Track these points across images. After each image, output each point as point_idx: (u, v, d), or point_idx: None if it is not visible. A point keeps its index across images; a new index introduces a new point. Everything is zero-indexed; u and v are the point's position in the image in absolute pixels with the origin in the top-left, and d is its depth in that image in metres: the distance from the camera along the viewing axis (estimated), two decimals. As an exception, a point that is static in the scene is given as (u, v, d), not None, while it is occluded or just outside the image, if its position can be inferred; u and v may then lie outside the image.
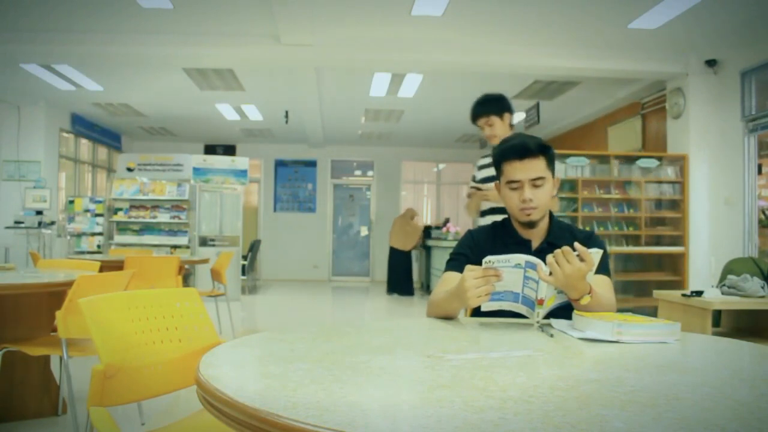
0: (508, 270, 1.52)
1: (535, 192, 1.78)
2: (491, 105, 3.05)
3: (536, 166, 1.78)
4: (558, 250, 1.49)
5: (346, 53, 6.25)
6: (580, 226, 5.67)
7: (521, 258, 1.51)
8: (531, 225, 1.84)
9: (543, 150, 1.79)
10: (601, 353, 1.26)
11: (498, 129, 3.03)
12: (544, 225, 1.87)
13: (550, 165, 1.82)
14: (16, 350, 2.60)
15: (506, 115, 3.06)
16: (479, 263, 1.82)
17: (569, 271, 1.47)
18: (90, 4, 5.35)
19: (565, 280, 1.48)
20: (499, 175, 1.86)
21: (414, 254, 10.60)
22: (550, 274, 1.49)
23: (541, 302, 1.53)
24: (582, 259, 1.48)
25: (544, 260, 1.52)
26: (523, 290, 1.55)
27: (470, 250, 1.88)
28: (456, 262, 1.87)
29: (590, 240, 1.82)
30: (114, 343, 1.40)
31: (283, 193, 12.68)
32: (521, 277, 1.53)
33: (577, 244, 1.50)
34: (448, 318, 1.71)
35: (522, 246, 1.84)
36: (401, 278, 9.99)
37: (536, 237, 1.87)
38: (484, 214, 3.12)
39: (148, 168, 9.37)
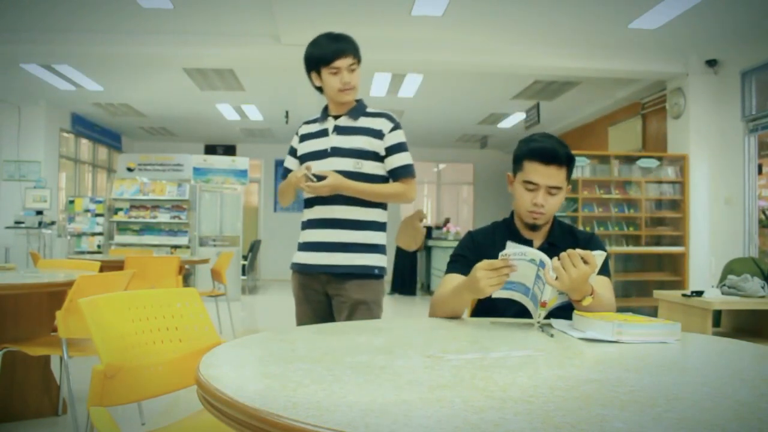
0: (523, 262, 1.52)
1: (549, 199, 1.77)
2: (355, 46, 2.25)
3: (557, 175, 1.76)
4: (564, 254, 1.48)
5: (346, 53, 6.24)
6: (581, 226, 5.68)
7: (537, 254, 1.51)
8: (534, 228, 1.84)
9: (569, 161, 1.78)
10: (601, 353, 1.26)
11: (357, 80, 2.25)
12: (545, 226, 1.87)
13: (569, 176, 1.81)
14: (17, 350, 2.60)
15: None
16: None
17: (575, 275, 1.46)
18: (90, 4, 5.35)
19: (570, 284, 1.48)
20: (516, 169, 1.83)
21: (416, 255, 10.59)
22: (556, 278, 1.49)
23: (544, 305, 1.53)
24: (586, 262, 1.48)
25: None
26: (534, 287, 1.55)
27: (470, 252, 1.87)
28: (456, 264, 1.86)
29: (591, 241, 1.82)
30: (114, 343, 1.40)
31: (284, 193, 12.66)
32: (534, 274, 1.53)
33: (579, 250, 1.49)
34: (453, 317, 1.71)
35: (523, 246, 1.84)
36: (405, 278, 10.04)
37: (538, 237, 1.87)
38: (310, 203, 2.29)
39: (149, 168, 9.37)
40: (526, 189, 1.79)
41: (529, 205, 1.78)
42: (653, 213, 6.84)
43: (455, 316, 1.72)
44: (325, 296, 2.28)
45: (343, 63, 2.18)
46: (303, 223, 2.32)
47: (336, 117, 2.28)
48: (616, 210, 6.71)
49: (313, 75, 2.22)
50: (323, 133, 2.27)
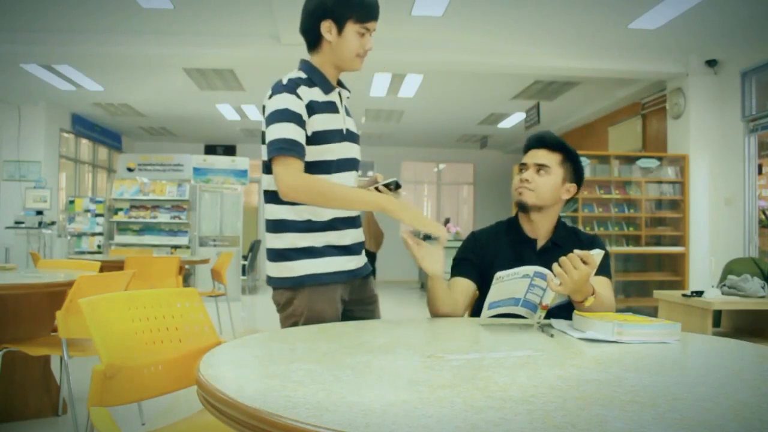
0: (515, 281, 1.55)
1: (536, 178, 1.84)
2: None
3: (546, 156, 1.85)
4: (563, 258, 1.50)
5: (346, 53, 6.24)
6: (581, 226, 5.68)
7: (530, 269, 1.54)
8: (523, 208, 1.87)
9: (559, 147, 1.87)
10: (601, 353, 1.26)
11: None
12: (549, 225, 1.89)
13: (565, 164, 1.86)
14: (16, 350, 2.60)
15: None
16: (483, 265, 1.85)
17: (577, 277, 1.48)
18: (90, 4, 5.35)
19: (573, 286, 1.49)
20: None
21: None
22: (560, 284, 1.50)
23: (545, 308, 1.54)
24: (585, 262, 1.49)
25: (546, 259, 1.53)
26: (526, 296, 1.57)
27: (472, 254, 1.90)
28: (460, 268, 1.89)
29: (594, 243, 1.83)
30: (114, 343, 1.40)
31: (284, 193, 12.64)
32: (526, 286, 1.56)
33: (576, 251, 1.50)
34: (447, 313, 1.75)
35: (526, 244, 1.86)
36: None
37: (541, 236, 1.88)
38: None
39: (149, 168, 9.37)
40: (518, 172, 1.89)
41: (517, 183, 1.87)
42: (653, 213, 6.84)
43: (446, 307, 1.75)
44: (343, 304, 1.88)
45: (373, 26, 1.77)
46: (323, 222, 1.77)
47: (339, 92, 1.85)
48: (616, 210, 6.71)
49: (328, 25, 1.74)
50: (333, 107, 1.80)
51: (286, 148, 1.65)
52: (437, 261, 1.70)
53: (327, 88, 1.78)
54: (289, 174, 1.65)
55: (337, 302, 1.78)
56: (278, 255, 1.76)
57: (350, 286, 1.85)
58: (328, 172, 1.75)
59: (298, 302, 1.74)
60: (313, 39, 1.78)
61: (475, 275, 1.85)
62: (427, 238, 1.72)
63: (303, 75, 1.77)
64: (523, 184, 1.85)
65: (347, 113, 1.87)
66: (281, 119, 1.68)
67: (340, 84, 1.86)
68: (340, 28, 1.73)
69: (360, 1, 1.72)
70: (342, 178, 1.78)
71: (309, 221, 1.75)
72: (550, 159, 1.85)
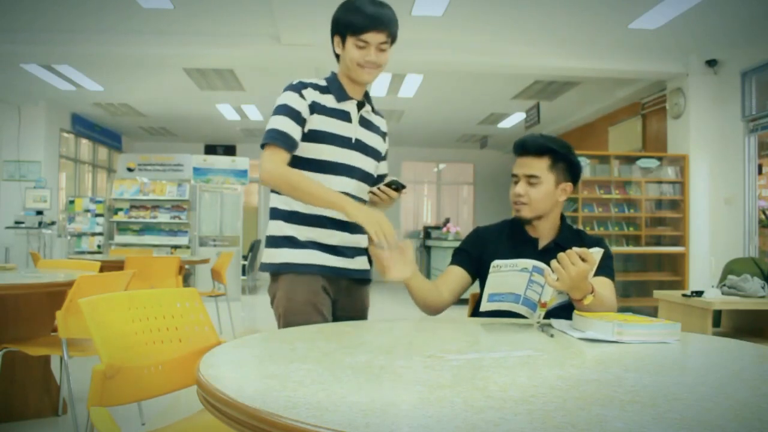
0: (513, 273, 1.55)
1: (529, 189, 1.81)
2: (393, 20, 1.94)
3: (533, 165, 1.81)
4: (562, 254, 1.50)
5: (346, 53, 6.24)
6: (581, 226, 5.68)
7: (529, 263, 1.54)
8: (522, 221, 1.87)
9: (544, 151, 1.81)
10: (601, 353, 1.26)
11: (385, 60, 1.89)
12: (553, 226, 1.88)
13: (555, 167, 1.81)
14: (16, 350, 2.60)
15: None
16: (480, 259, 1.86)
17: (574, 273, 1.47)
18: (90, 4, 5.35)
19: (571, 283, 1.49)
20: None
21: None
22: (557, 279, 1.49)
23: (544, 305, 1.54)
24: (584, 260, 1.48)
25: (546, 259, 1.53)
26: (526, 292, 1.56)
27: (471, 246, 1.93)
28: (458, 257, 1.93)
29: (598, 245, 1.83)
30: (114, 343, 1.40)
31: (284, 193, 12.63)
32: (526, 281, 1.55)
33: (575, 248, 1.50)
34: (434, 302, 1.78)
35: (529, 244, 1.86)
36: None
37: (544, 237, 1.88)
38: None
39: (149, 168, 9.37)
40: (513, 182, 1.87)
41: (512, 196, 1.85)
42: (653, 213, 6.84)
43: (431, 297, 1.78)
44: (333, 304, 1.90)
45: (373, 38, 1.81)
46: (310, 216, 1.82)
47: (359, 104, 1.91)
48: (616, 210, 6.71)
49: (336, 39, 1.88)
50: (345, 115, 1.87)
51: (276, 138, 1.75)
52: (406, 264, 1.65)
53: (341, 97, 1.88)
54: (270, 161, 1.74)
55: (316, 292, 1.80)
56: (269, 241, 1.88)
57: (335, 284, 1.87)
58: (323, 172, 1.83)
59: (280, 293, 1.83)
60: (335, 53, 1.93)
61: (471, 268, 1.89)
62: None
63: (321, 82, 1.90)
64: (517, 199, 1.83)
65: (368, 127, 1.94)
66: (279, 113, 1.80)
67: (367, 98, 1.96)
68: (343, 42, 1.86)
69: (353, 15, 1.82)
70: (340, 182, 1.84)
71: (296, 212, 1.84)
72: (538, 166, 1.80)
